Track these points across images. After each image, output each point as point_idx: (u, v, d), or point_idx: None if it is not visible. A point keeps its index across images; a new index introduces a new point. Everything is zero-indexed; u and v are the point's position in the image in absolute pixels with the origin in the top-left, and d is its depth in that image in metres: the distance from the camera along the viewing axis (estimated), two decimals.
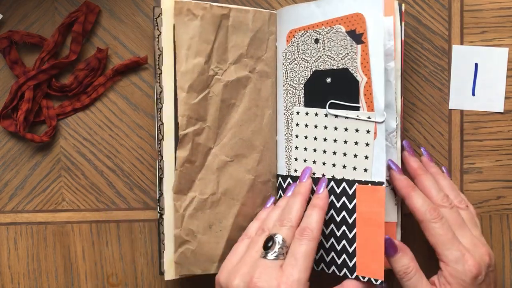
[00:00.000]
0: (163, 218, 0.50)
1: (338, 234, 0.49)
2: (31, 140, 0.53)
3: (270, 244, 0.45)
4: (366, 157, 0.48)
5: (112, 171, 0.55)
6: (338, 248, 0.49)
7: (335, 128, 0.49)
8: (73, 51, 0.53)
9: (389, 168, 0.49)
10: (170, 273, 0.50)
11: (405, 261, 0.47)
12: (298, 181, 0.50)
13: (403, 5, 0.50)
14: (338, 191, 0.49)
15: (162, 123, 0.49)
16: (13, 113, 0.53)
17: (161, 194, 0.50)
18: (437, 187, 0.49)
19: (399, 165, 0.49)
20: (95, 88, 0.54)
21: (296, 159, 0.52)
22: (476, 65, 0.54)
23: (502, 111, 0.54)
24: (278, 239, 0.45)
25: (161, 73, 0.49)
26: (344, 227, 0.49)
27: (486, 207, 0.55)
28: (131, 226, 0.55)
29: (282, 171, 0.53)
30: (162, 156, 0.50)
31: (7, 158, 0.55)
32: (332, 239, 0.50)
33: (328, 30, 0.49)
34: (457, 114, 0.55)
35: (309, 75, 0.50)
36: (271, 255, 0.44)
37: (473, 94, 0.54)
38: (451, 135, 0.55)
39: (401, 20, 0.50)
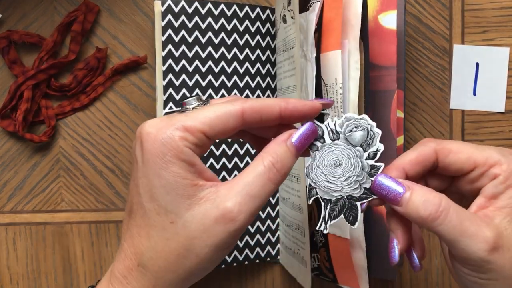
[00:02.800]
0: None
1: None
2: (30, 140, 0.53)
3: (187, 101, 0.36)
4: None
5: (112, 171, 0.55)
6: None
7: None
8: (72, 51, 0.53)
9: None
10: None
11: (426, 196, 0.32)
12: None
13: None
14: None
15: None
16: (12, 113, 0.53)
17: None
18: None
19: None
20: (94, 87, 0.54)
21: None
22: (477, 64, 0.54)
23: (503, 111, 0.54)
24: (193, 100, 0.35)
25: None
26: None
27: None
28: None
29: None
30: None
31: (6, 158, 0.55)
32: None
33: None
34: (458, 114, 0.55)
35: None
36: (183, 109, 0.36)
37: (474, 94, 0.54)
38: (452, 135, 0.55)
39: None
